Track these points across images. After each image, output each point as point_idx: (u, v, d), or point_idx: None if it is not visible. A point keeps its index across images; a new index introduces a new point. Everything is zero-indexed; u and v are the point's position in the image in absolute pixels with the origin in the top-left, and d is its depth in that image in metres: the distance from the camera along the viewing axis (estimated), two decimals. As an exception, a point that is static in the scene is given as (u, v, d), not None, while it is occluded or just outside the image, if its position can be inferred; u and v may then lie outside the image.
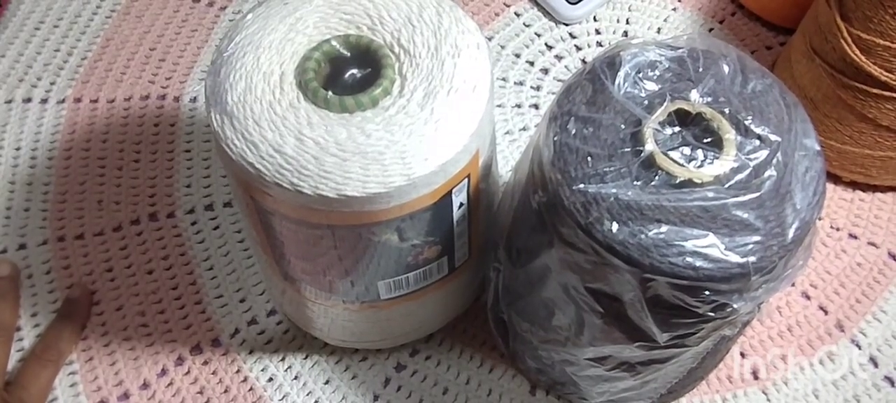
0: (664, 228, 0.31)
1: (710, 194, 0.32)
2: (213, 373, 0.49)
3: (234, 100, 0.35)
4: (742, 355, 0.49)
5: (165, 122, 0.59)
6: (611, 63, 0.35)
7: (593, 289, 0.34)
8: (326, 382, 0.49)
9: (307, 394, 0.48)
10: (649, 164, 0.32)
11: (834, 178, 0.55)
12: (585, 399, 0.44)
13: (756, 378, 0.49)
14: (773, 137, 0.33)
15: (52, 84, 0.60)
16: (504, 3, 0.64)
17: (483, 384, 0.49)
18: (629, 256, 0.31)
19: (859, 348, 0.50)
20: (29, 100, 0.60)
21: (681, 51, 0.36)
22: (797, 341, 0.50)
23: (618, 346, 0.36)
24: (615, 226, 0.31)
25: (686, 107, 0.34)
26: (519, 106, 0.59)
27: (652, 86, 0.35)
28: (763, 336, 0.50)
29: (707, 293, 0.31)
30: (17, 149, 0.58)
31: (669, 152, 0.33)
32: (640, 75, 0.35)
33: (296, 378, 0.49)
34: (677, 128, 0.34)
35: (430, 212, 0.36)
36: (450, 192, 0.36)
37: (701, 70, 0.35)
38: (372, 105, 0.35)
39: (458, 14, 0.37)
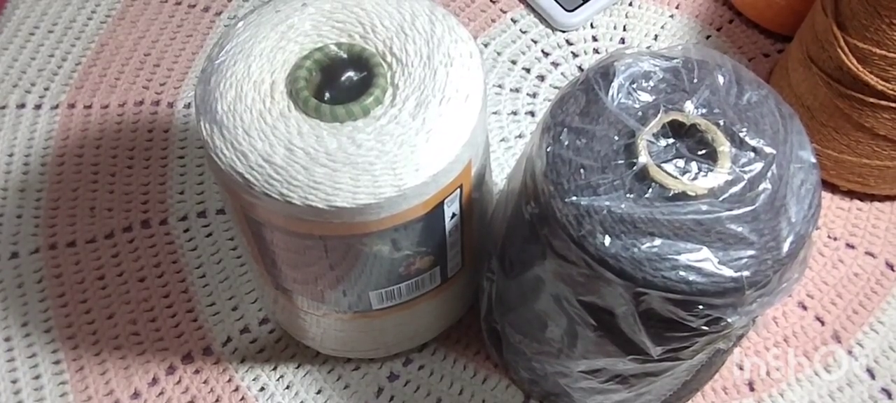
0: (657, 242, 0.31)
1: (704, 207, 0.31)
2: (204, 382, 0.48)
3: (224, 108, 0.35)
4: (738, 366, 0.49)
5: (159, 129, 0.58)
6: (604, 73, 0.35)
7: (586, 302, 0.34)
8: (318, 392, 0.48)
9: (299, 404, 0.48)
10: (643, 177, 0.32)
11: (831, 187, 0.54)
12: (579, 410, 0.44)
13: (752, 389, 0.48)
14: (768, 150, 0.33)
15: (46, 89, 0.60)
16: (500, 10, 0.64)
17: (476, 394, 0.48)
18: (622, 270, 0.31)
19: (856, 359, 0.49)
20: (23, 105, 0.59)
21: (675, 61, 0.35)
22: (794, 351, 0.49)
23: (611, 359, 0.36)
24: (608, 240, 0.31)
25: (680, 119, 0.34)
26: (515, 113, 0.59)
27: (646, 97, 0.34)
28: (759, 347, 0.49)
29: (701, 307, 0.31)
30: (10, 155, 0.57)
31: (663, 164, 0.32)
32: (634, 86, 0.34)
33: (288, 387, 0.49)
34: (671, 140, 0.33)
35: (421, 223, 0.36)
36: (441, 203, 0.36)
37: (696, 81, 0.35)
38: (363, 114, 0.34)
39: (451, 22, 0.37)
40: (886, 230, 0.53)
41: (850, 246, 0.53)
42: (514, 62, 0.61)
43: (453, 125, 0.34)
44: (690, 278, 0.30)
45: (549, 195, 0.32)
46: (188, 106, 0.59)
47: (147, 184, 0.56)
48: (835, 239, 0.53)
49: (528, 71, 0.61)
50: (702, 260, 0.30)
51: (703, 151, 0.33)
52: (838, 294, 0.51)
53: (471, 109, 0.35)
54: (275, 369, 0.49)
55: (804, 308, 0.51)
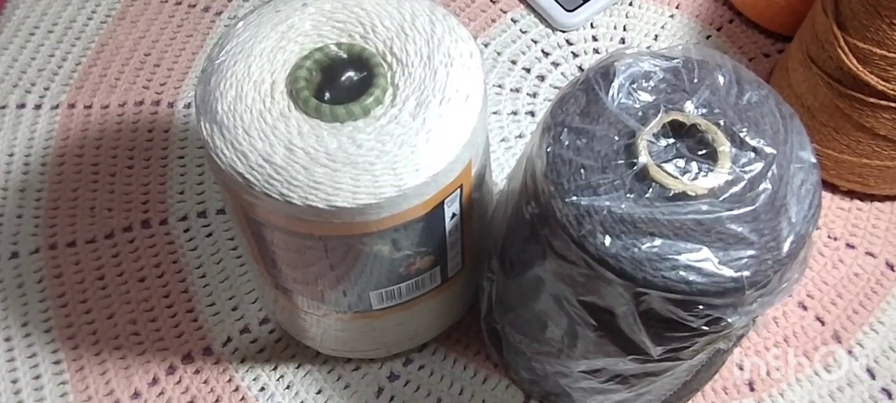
0: (657, 242, 0.31)
1: (705, 207, 0.31)
2: (204, 382, 0.49)
3: (225, 108, 0.35)
4: (738, 366, 0.49)
5: (159, 128, 0.58)
6: (605, 73, 0.35)
7: (586, 302, 0.34)
8: (319, 392, 0.48)
9: (299, 404, 0.48)
10: (643, 177, 0.32)
11: (831, 187, 0.54)
12: (579, 410, 0.44)
13: (752, 389, 0.48)
14: (768, 150, 0.33)
15: (46, 89, 0.60)
16: (500, 10, 0.64)
17: (476, 394, 0.48)
18: (622, 270, 0.31)
19: (856, 359, 0.49)
20: (23, 105, 0.59)
21: (675, 61, 0.35)
22: (794, 351, 0.49)
23: (611, 359, 0.36)
24: (608, 240, 0.31)
25: (681, 119, 0.33)
26: (515, 113, 0.59)
27: (646, 97, 0.34)
28: (759, 347, 0.49)
29: (701, 307, 0.31)
30: (11, 155, 0.57)
31: (663, 164, 0.32)
32: (635, 86, 0.34)
33: (288, 387, 0.49)
34: (672, 140, 0.33)
35: (421, 223, 0.36)
36: (442, 203, 0.36)
37: (696, 81, 0.35)
38: (363, 115, 0.34)
39: (452, 22, 0.37)
40: (886, 230, 0.53)
41: (850, 246, 0.53)
42: (514, 62, 0.61)
43: (453, 125, 0.34)
44: (690, 278, 0.30)
45: (549, 195, 0.32)
46: (188, 106, 0.59)
47: (147, 184, 0.56)
48: (835, 239, 0.53)
49: (528, 71, 0.61)
50: (702, 260, 0.30)
51: (704, 151, 0.33)
52: (838, 294, 0.51)
53: (471, 109, 0.35)
54: (275, 369, 0.49)
55: (804, 308, 0.51)
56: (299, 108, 0.35)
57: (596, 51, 0.62)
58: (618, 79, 0.34)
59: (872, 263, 0.52)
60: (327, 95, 0.35)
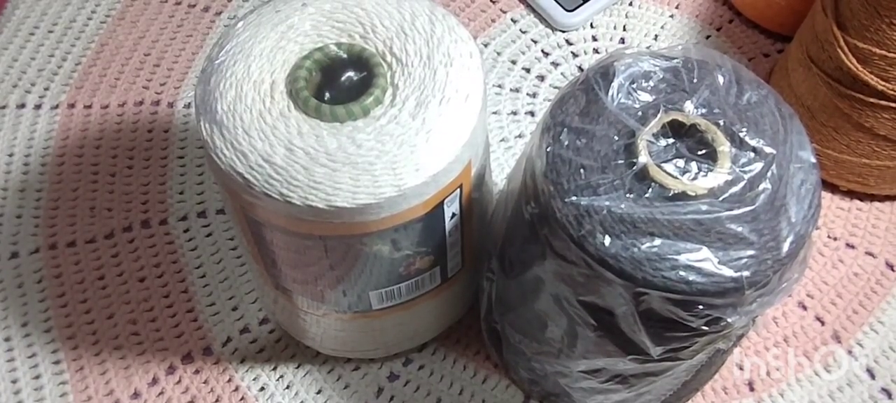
0: (657, 242, 0.31)
1: (704, 207, 0.31)
2: (204, 382, 0.49)
3: (224, 108, 0.35)
4: (738, 366, 0.49)
5: (159, 128, 0.58)
6: (604, 73, 0.35)
7: (586, 302, 0.34)
8: (318, 392, 0.48)
9: (299, 404, 0.48)
10: (643, 177, 0.32)
11: (831, 187, 0.54)
12: (579, 410, 0.44)
13: (752, 389, 0.48)
14: (768, 150, 0.33)
15: (46, 89, 0.60)
16: (500, 10, 0.64)
17: (476, 394, 0.48)
18: (622, 270, 0.31)
19: (856, 359, 0.49)
20: (23, 105, 0.59)
21: (675, 61, 0.35)
22: (794, 351, 0.49)
23: (611, 359, 0.36)
24: (608, 240, 0.31)
25: (680, 119, 0.33)
26: (515, 113, 0.59)
27: (646, 97, 0.34)
28: (759, 347, 0.49)
29: (700, 307, 0.31)
30: (10, 155, 0.57)
31: (663, 164, 0.32)
32: (634, 86, 0.34)
33: (288, 387, 0.49)
34: (671, 140, 0.33)
35: (421, 223, 0.36)
36: (441, 203, 0.36)
37: (696, 80, 0.35)
38: (363, 114, 0.34)
39: (451, 22, 0.37)
40: (886, 230, 0.53)
41: (850, 246, 0.53)
42: (513, 62, 0.61)
43: (453, 125, 0.34)
44: (690, 278, 0.30)
45: (549, 195, 0.32)
46: (188, 106, 0.59)
47: (147, 184, 0.56)
48: (835, 239, 0.53)
49: (528, 71, 0.61)
50: (702, 260, 0.30)
51: (703, 151, 0.33)
52: (838, 294, 0.51)
53: (471, 109, 0.35)
54: (275, 369, 0.49)
55: (804, 308, 0.51)
56: (299, 108, 0.35)
57: (596, 51, 0.62)
58: (617, 79, 0.34)
59: (872, 263, 0.52)
60: (327, 95, 0.35)
